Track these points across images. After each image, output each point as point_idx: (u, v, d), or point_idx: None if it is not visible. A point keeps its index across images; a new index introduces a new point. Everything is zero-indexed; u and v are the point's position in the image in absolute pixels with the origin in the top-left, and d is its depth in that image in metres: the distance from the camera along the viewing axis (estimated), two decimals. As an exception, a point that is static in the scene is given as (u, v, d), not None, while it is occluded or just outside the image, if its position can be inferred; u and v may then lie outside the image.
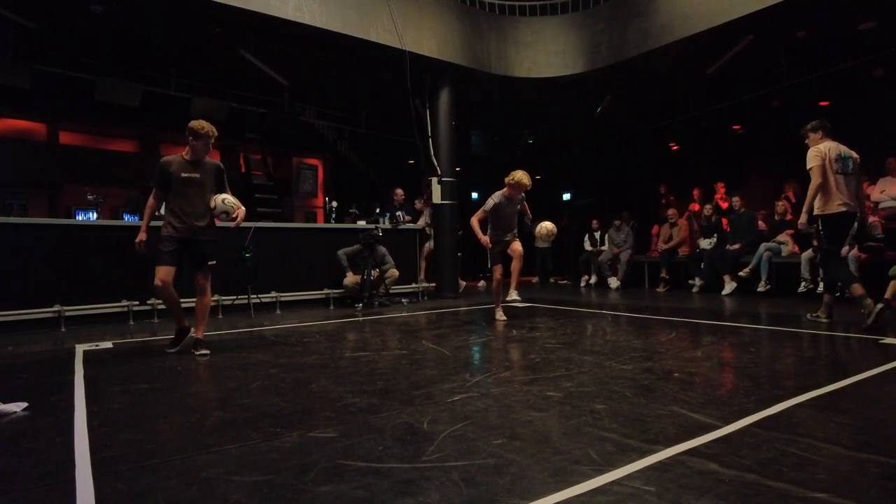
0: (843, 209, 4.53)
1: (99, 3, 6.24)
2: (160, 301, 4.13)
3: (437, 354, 3.75)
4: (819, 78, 8.10)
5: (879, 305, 4.42)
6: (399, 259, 7.28)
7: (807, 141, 4.80)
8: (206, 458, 1.87)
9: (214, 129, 3.86)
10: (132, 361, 3.71)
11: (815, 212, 4.65)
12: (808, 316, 5.04)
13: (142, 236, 3.82)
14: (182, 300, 3.96)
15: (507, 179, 5.15)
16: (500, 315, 5.37)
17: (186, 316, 4.04)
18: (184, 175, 3.80)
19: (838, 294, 5.27)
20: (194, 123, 3.81)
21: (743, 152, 9.91)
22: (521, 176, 5.09)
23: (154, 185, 3.86)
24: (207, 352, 3.77)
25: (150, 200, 3.91)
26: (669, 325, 4.87)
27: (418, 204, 8.72)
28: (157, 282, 3.71)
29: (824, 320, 4.83)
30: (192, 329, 3.94)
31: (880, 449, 1.84)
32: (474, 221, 5.23)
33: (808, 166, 4.63)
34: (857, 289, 4.53)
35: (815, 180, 4.56)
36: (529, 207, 5.46)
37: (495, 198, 5.18)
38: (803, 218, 4.77)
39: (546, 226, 5.40)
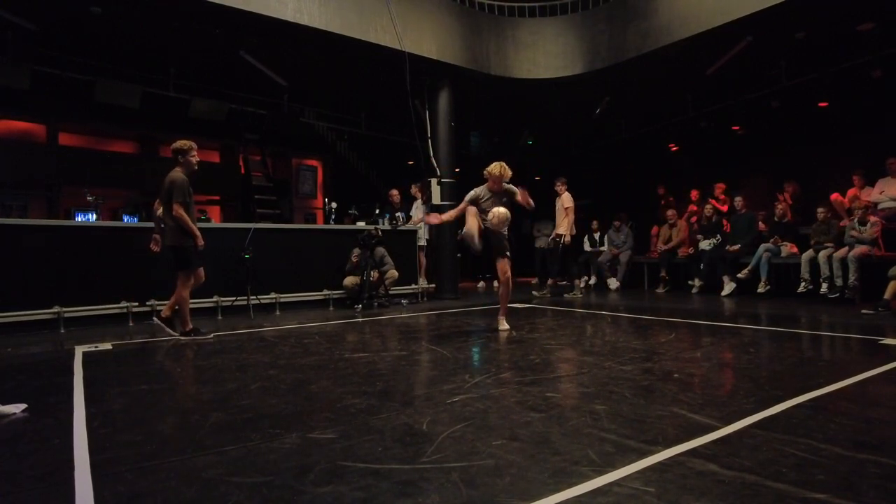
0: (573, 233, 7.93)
1: (98, 4, 6.24)
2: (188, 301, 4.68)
3: (437, 355, 3.75)
4: (818, 79, 8.11)
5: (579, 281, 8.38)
6: (398, 260, 7.27)
7: (556, 188, 7.90)
8: (205, 460, 1.87)
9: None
10: (131, 363, 3.71)
11: (567, 232, 7.75)
12: (535, 293, 8.15)
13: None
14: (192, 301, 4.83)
15: (484, 173, 4.73)
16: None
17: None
18: (191, 189, 4.57)
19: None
20: (186, 143, 4.60)
21: (742, 153, 9.92)
22: (492, 167, 4.63)
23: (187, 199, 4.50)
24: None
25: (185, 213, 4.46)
26: (669, 326, 4.87)
27: (414, 189, 8.55)
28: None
29: (548, 295, 7.92)
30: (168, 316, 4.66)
31: (880, 449, 1.84)
32: (453, 212, 4.86)
33: (566, 206, 7.74)
34: (557, 280, 8.49)
35: (572, 216, 7.77)
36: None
37: (476, 190, 4.73)
38: (568, 238, 7.78)
39: (498, 212, 4.55)
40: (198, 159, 4.64)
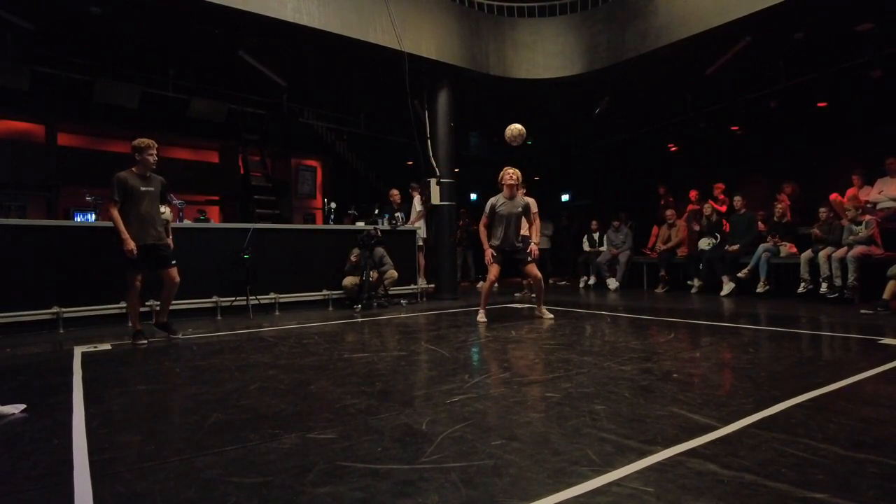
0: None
1: (98, 4, 6.24)
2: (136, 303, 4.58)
3: (436, 355, 3.75)
4: (817, 79, 8.11)
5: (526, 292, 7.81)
6: (398, 260, 7.28)
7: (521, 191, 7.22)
8: (204, 460, 1.87)
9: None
10: (130, 363, 3.71)
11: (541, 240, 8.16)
12: (517, 295, 7.92)
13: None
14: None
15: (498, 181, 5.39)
16: (481, 317, 5.32)
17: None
18: (143, 189, 4.42)
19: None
20: (145, 141, 4.43)
21: (741, 153, 9.92)
22: (504, 175, 5.32)
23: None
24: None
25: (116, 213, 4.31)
26: (668, 326, 4.87)
27: (412, 191, 8.64)
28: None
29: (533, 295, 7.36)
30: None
31: (879, 449, 1.84)
32: (480, 227, 5.49)
33: (534, 211, 7.00)
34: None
35: (538, 220, 7.05)
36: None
37: (492, 199, 5.37)
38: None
39: (514, 128, 5.49)
40: (156, 158, 4.46)
